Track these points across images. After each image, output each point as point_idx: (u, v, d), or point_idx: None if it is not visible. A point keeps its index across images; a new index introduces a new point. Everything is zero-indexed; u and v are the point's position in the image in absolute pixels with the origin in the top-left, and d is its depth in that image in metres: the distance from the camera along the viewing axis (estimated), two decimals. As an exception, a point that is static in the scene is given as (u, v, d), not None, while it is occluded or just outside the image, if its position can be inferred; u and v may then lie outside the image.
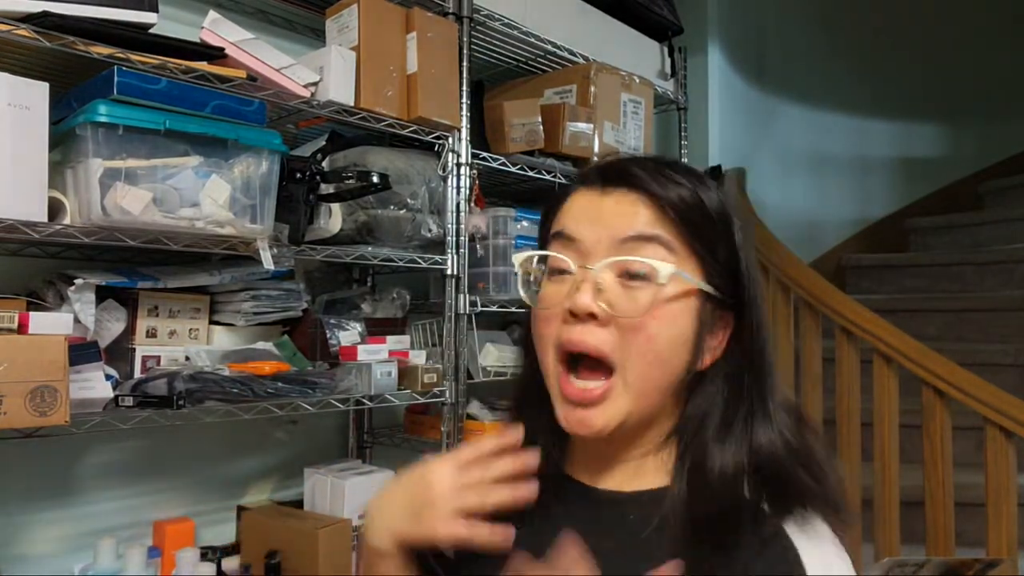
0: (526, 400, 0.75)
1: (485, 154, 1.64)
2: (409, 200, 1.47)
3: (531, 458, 0.65)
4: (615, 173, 0.68)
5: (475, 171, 1.61)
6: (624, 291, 0.64)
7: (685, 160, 2.38)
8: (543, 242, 0.73)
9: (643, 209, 0.65)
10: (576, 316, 0.64)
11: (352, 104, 1.38)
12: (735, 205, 2.30)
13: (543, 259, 0.70)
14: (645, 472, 0.69)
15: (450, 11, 1.61)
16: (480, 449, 0.66)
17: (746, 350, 0.67)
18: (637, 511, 0.67)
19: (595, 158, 1.84)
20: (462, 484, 0.64)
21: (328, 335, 1.47)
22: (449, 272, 1.57)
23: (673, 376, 0.65)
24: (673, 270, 0.63)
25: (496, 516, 0.68)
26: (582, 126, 1.79)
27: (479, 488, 0.64)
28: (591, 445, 0.71)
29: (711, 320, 0.66)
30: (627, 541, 0.65)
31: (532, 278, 0.72)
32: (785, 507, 0.64)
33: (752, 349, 0.67)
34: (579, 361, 0.66)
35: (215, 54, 1.20)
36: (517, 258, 0.71)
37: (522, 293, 0.71)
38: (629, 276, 0.64)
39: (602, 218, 0.66)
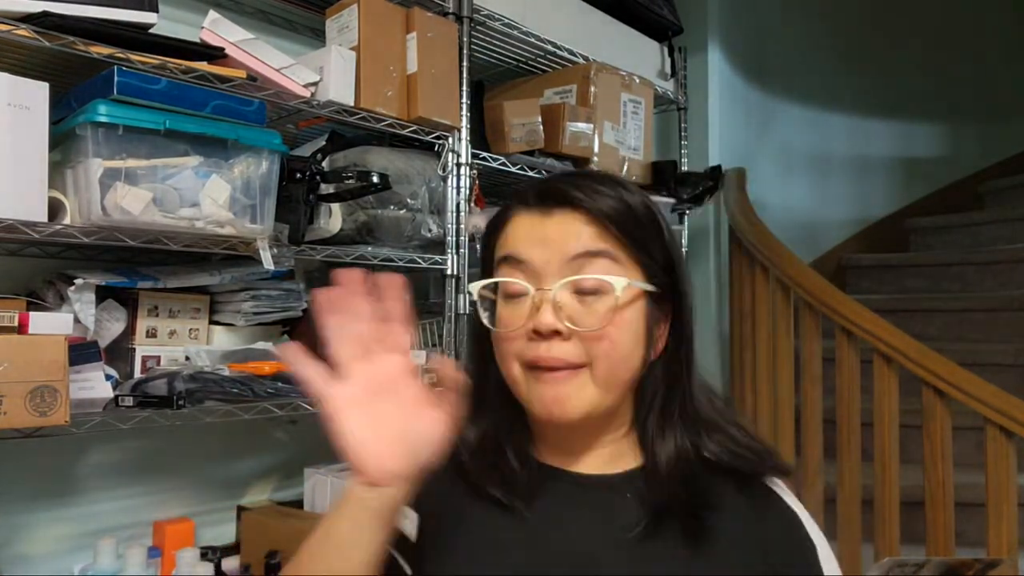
0: (487, 404, 0.76)
1: (485, 154, 1.64)
2: (409, 200, 1.47)
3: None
4: (554, 195, 0.71)
5: (475, 171, 1.61)
6: (582, 306, 0.68)
7: (685, 160, 2.38)
8: (490, 266, 0.75)
9: (586, 227, 0.69)
10: (540, 335, 0.68)
11: (352, 104, 1.38)
12: (733, 205, 2.32)
13: (497, 284, 0.73)
14: (623, 454, 0.74)
15: (450, 11, 1.61)
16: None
17: (682, 335, 0.74)
18: (627, 489, 0.71)
19: (595, 158, 1.84)
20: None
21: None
22: (449, 272, 1.57)
23: (633, 370, 0.71)
24: (627, 282, 0.68)
25: (485, 508, 0.71)
26: (582, 126, 1.79)
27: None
28: (565, 437, 0.74)
29: (656, 314, 0.72)
30: (625, 518, 0.69)
31: (486, 303, 0.74)
32: (753, 472, 0.73)
33: (686, 334, 0.74)
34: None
35: (215, 54, 1.20)
36: (474, 287, 0.73)
37: (483, 317, 0.73)
38: (583, 292, 0.68)
39: (548, 239, 0.69)
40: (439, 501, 0.74)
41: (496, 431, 0.75)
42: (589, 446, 0.74)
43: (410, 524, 0.74)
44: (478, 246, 1.65)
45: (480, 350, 0.76)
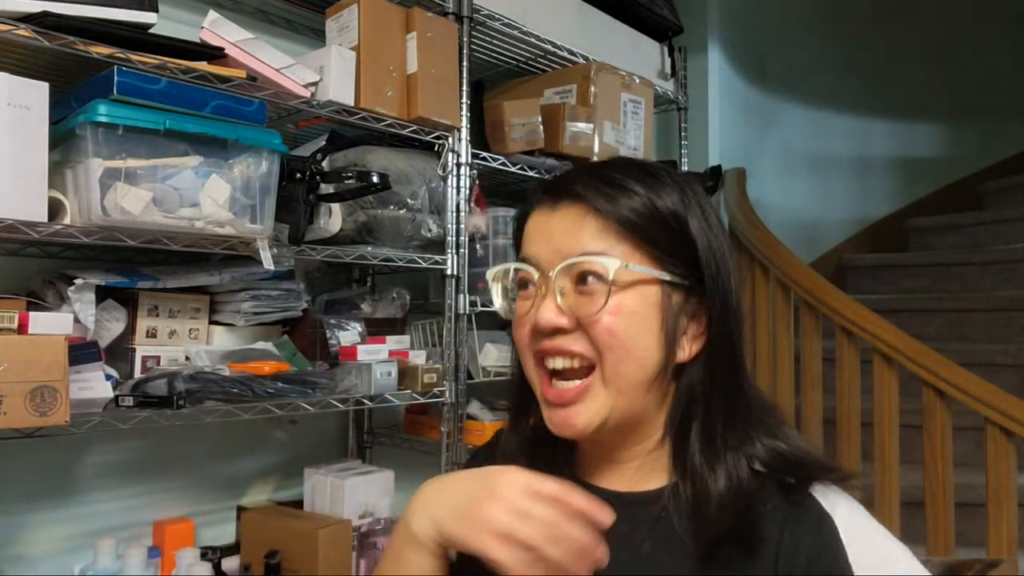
0: (527, 401, 0.75)
1: (485, 154, 1.64)
2: (409, 200, 1.47)
3: (605, 519, 0.60)
4: (560, 189, 0.69)
5: (475, 171, 1.61)
6: (581, 297, 0.66)
7: (685, 160, 2.37)
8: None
9: (589, 222, 0.66)
10: (542, 332, 0.67)
11: (352, 104, 1.38)
12: (733, 205, 2.32)
13: (516, 273, 0.73)
14: (653, 470, 0.70)
15: (450, 11, 1.61)
16: (567, 495, 0.59)
17: (719, 334, 0.68)
18: (657, 509, 0.67)
19: (595, 158, 1.84)
20: (529, 511, 0.58)
21: (328, 335, 1.47)
22: (449, 272, 1.57)
23: (647, 371, 0.66)
24: (619, 264, 0.65)
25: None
26: (582, 126, 1.79)
27: (543, 528, 0.57)
28: (594, 448, 0.72)
29: (681, 311, 0.67)
30: (656, 538, 0.66)
31: (508, 290, 0.74)
32: (802, 482, 0.66)
33: (726, 340, 0.68)
34: (558, 368, 0.68)
35: (215, 54, 1.19)
36: (489, 273, 0.74)
37: (498, 304, 0.74)
38: (583, 283, 0.66)
39: (552, 235, 0.68)
40: None
41: (532, 441, 0.74)
42: (615, 458, 0.71)
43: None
44: (477, 246, 1.66)
45: (518, 356, 0.75)
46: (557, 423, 0.67)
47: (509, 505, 0.58)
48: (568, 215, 0.68)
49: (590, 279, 0.66)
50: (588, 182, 0.67)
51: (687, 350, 0.68)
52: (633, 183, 0.67)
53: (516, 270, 0.72)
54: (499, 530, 0.58)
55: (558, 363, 0.67)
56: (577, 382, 0.66)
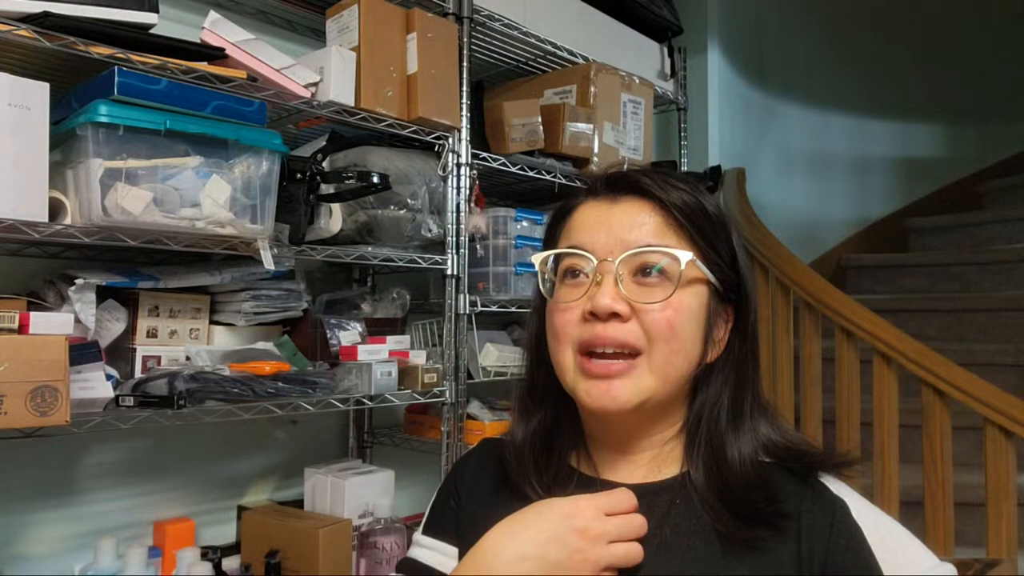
0: (538, 402, 0.76)
1: (485, 154, 1.64)
2: (409, 200, 1.47)
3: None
4: (622, 182, 0.71)
5: (475, 171, 1.61)
6: (641, 288, 0.67)
7: (685, 160, 2.38)
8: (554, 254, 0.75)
9: (651, 217, 0.69)
10: (598, 316, 0.66)
11: (352, 104, 1.38)
12: (732, 205, 2.32)
13: (557, 263, 0.73)
14: (664, 462, 0.72)
15: (450, 11, 1.61)
16: (621, 503, 0.66)
17: (746, 344, 0.71)
18: (671, 497, 0.69)
19: (595, 158, 1.84)
20: (609, 535, 0.63)
21: (328, 335, 1.47)
22: (449, 272, 1.57)
23: (691, 365, 0.68)
24: (691, 257, 0.67)
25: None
26: (582, 126, 1.79)
27: (631, 531, 0.65)
28: (609, 439, 0.73)
29: (715, 314, 0.70)
30: (674, 524, 0.67)
31: (546, 277, 0.74)
32: (808, 470, 0.69)
33: (750, 343, 0.72)
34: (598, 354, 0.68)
35: (215, 54, 1.20)
36: (536, 258, 0.73)
37: (541, 287, 0.74)
38: (644, 275, 0.68)
39: (613, 226, 0.69)
40: (482, 503, 0.74)
41: (543, 431, 0.74)
42: (631, 449, 0.72)
43: (449, 559, 0.74)
44: (477, 246, 1.66)
45: (536, 344, 0.76)
46: (597, 395, 0.67)
47: (594, 535, 0.62)
48: (630, 208, 0.69)
49: (653, 272, 0.67)
50: (653, 180, 0.70)
51: (710, 353, 0.71)
52: (686, 183, 0.70)
53: (561, 256, 0.72)
54: (598, 562, 0.62)
55: (608, 351, 0.67)
56: (624, 361, 0.67)
